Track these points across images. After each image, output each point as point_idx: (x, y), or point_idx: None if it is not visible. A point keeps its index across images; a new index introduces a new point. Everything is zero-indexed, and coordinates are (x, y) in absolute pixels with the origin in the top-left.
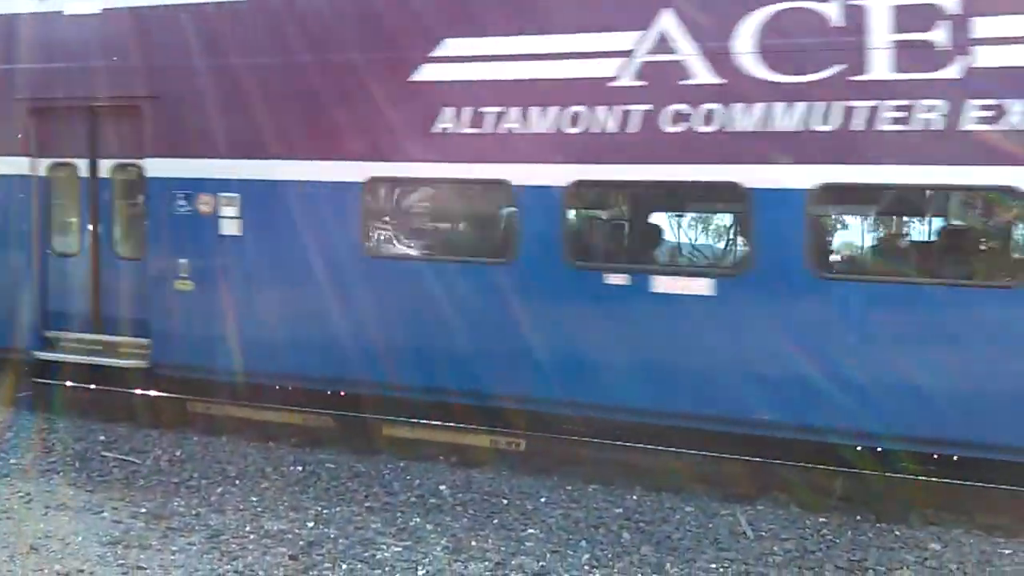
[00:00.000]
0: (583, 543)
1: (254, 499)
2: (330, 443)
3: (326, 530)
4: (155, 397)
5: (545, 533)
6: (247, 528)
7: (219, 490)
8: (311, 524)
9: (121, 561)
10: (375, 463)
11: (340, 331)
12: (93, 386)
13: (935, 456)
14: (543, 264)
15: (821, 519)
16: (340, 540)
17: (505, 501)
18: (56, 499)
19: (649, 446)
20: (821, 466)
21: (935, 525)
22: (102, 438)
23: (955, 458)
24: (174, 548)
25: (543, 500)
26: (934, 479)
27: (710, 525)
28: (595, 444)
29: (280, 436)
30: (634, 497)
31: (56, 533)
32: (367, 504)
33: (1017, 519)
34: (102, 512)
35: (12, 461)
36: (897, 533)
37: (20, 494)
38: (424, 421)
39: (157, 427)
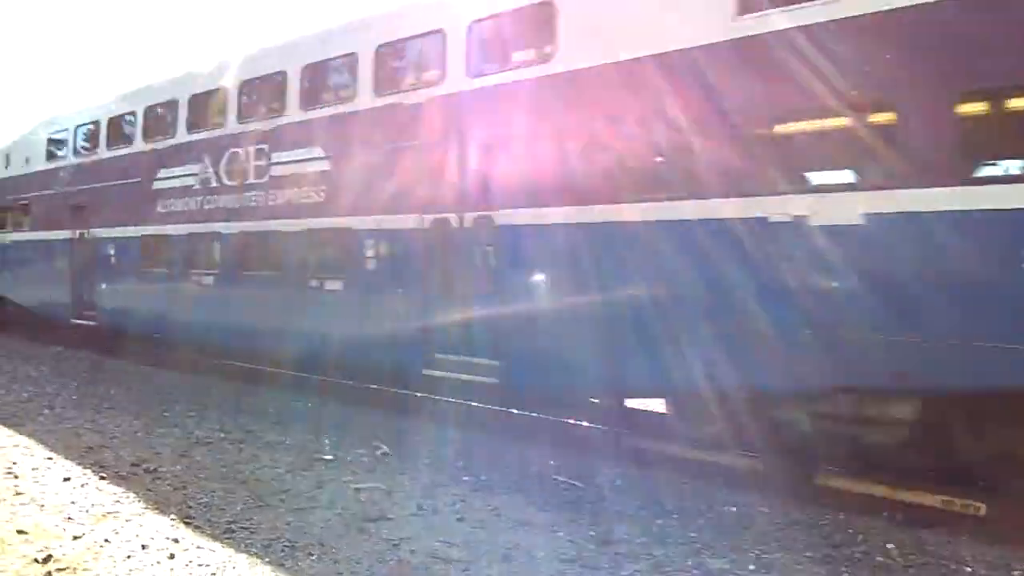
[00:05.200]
0: None
1: (692, 534)
2: (755, 487)
3: (768, 575)
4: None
5: None
6: (689, 562)
7: (659, 522)
8: (752, 567)
9: None
10: (812, 512)
11: None
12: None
13: None
14: None
15: None
16: None
17: (968, 569)
18: (520, 515)
19: None
20: None
21: None
22: (552, 462)
23: None
24: (623, 573)
25: (1017, 574)
26: None
27: None
28: None
29: (707, 475)
30: None
31: (522, 545)
32: (807, 554)
33: None
34: (558, 532)
35: (483, 477)
36: None
37: (491, 507)
38: (866, 474)
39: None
